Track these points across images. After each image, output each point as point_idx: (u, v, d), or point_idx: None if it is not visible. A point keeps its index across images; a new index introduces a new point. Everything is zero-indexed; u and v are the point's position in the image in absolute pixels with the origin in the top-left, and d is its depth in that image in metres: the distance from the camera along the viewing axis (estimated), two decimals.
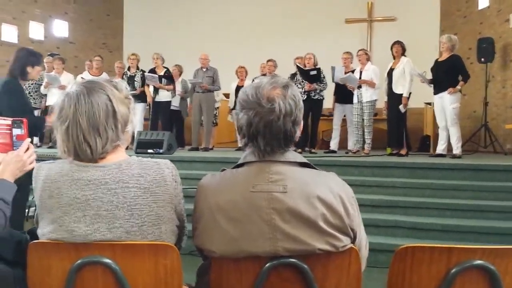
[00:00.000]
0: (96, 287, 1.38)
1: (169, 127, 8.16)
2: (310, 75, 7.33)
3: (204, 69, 8.14)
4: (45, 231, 1.42)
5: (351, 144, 7.72)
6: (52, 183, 1.42)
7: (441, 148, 6.72)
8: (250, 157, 1.47)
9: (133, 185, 1.40)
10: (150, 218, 1.41)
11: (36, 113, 8.44)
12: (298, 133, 1.46)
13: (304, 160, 1.48)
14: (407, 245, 1.37)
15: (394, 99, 6.91)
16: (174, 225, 1.50)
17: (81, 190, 1.39)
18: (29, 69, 3.89)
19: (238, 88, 8.45)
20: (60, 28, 11.67)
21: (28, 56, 3.93)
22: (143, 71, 8.23)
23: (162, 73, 8.15)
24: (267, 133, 1.39)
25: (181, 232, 1.58)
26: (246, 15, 11.84)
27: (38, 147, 8.11)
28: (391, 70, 6.99)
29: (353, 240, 1.44)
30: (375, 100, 7.19)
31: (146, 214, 1.40)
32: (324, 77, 7.60)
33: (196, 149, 8.15)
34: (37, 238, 1.48)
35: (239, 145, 8.64)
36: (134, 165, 1.44)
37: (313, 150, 7.48)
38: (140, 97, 8.05)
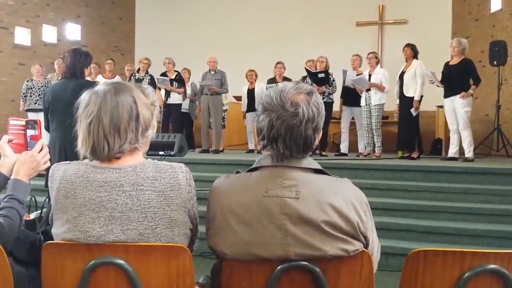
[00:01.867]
0: (109, 287, 1.38)
1: (180, 130, 8.20)
2: (319, 77, 7.32)
3: (213, 72, 8.18)
4: (60, 231, 1.44)
5: (362, 147, 7.70)
6: (68, 184, 1.43)
7: (453, 151, 6.67)
8: (264, 161, 1.47)
9: (148, 188, 1.41)
10: (164, 221, 1.42)
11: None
12: (317, 141, 1.46)
13: (319, 166, 1.47)
14: (420, 249, 1.37)
15: (405, 102, 6.88)
16: (187, 228, 1.51)
17: (96, 191, 1.40)
18: (85, 70, 4.03)
19: (249, 92, 8.47)
20: (73, 32, 11.78)
21: (86, 57, 4.03)
22: (152, 76, 8.28)
23: (173, 77, 8.19)
24: (287, 137, 1.39)
25: (194, 235, 1.59)
26: (256, 19, 11.86)
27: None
28: (403, 73, 6.95)
29: (366, 246, 1.44)
30: (383, 103, 7.14)
31: (159, 217, 1.41)
32: (333, 80, 7.58)
33: (207, 151, 8.18)
34: (51, 239, 1.50)
35: (249, 147, 8.67)
36: (149, 168, 1.45)
37: (323, 153, 7.46)
38: None
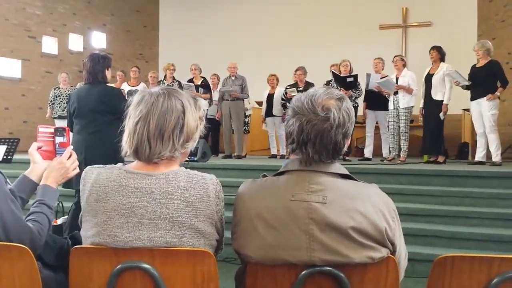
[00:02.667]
0: None
1: (205, 135, 8.23)
2: (347, 82, 7.28)
3: (233, 78, 8.21)
4: (88, 234, 1.46)
5: (386, 152, 7.61)
6: (100, 188, 1.45)
7: (480, 155, 6.55)
8: (292, 165, 1.47)
9: (178, 197, 1.42)
10: (190, 231, 1.42)
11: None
12: (346, 147, 1.46)
13: (346, 172, 1.47)
14: (447, 255, 1.34)
15: (432, 105, 6.78)
16: (213, 240, 1.50)
17: (127, 197, 1.42)
18: (107, 72, 4.09)
19: (269, 96, 8.47)
20: (99, 40, 12.02)
21: (104, 60, 4.10)
22: (179, 82, 8.36)
23: (199, 83, 8.26)
24: (317, 142, 1.39)
25: (218, 247, 1.59)
26: (279, 23, 11.88)
27: None
28: (429, 75, 6.86)
29: (393, 253, 1.42)
30: (412, 106, 7.06)
31: (186, 227, 1.41)
32: (359, 84, 7.55)
33: (230, 156, 8.21)
34: (79, 243, 1.52)
35: (272, 152, 8.66)
36: (181, 177, 1.45)
37: (347, 158, 7.40)
38: None
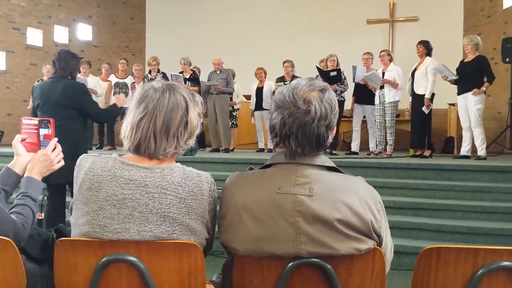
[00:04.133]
0: (121, 284, 1.39)
1: None
2: (330, 76, 7.29)
3: (218, 72, 8.21)
4: (78, 222, 1.44)
5: (373, 146, 7.66)
6: (93, 176, 1.43)
7: (465, 149, 6.62)
8: (278, 158, 1.47)
9: (171, 192, 1.41)
10: (181, 228, 1.41)
11: None
12: (330, 139, 1.45)
13: (333, 164, 1.46)
14: (433, 246, 1.35)
15: (416, 100, 6.84)
16: (203, 238, 1.49)
17: (121, 188, 1.40)
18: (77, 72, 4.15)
19: (258, 90, 8.47)
20: (84, 32, 11.88)
21: (78, 59, 4.15)
22: (164, 73, 8.31)
23: (188, 76, 8.22)
24: (299, 135, 1.38)
25: (208, 247, 1.57)
26: (267, 17, 11.86)
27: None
28: (415, 70, 6.91)
29: (379, 245, 1.43)
30: (398, 101, 7.10)
31: (177, 224, 1.40)
32: (345, 78, 7.57)
33: (217, 150, 8.20)
34: (64, 236, 1.51)
35: (259, 146, 8.66)
36: (176, 173, 1.44)
37: (334, 152, 7.43)
38: None
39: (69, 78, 4.00)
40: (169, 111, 1.43)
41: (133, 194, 1.39)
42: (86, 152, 4.05)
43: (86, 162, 1.48)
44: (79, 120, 3.93)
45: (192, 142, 1.52)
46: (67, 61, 3.96)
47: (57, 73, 3.99)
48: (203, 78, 8.92)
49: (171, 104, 1.43)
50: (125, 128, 1.47)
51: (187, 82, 8.14)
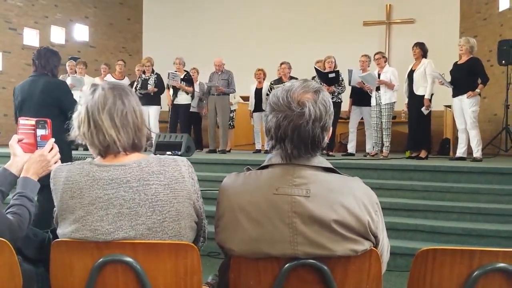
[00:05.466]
0: (117, 285, 1.39)
1: (187, 130, 8.22)
2: (329, 77, 7.31)
3: (219, 73, 8.20)
4: (66, 231, 1.44)
5: (369, 147, 7.67)
6: (73, 184, 1.43)
7: (461, 151, 6.64)
8: (275, 159, 1.47)
9: (154, 182, 1.43)
10: (171, 214, 1.43)
11: None
12: (326, 140, 1.45)
13: (329, 165, 1.46)
14: (429, 248, 1.36)
15: (415, 100, 6.86)
16: (193, 221, 1.51)
17: (103, 189, 1.41)
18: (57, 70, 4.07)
19: (257, 91, 8.47)
20: (81, 32, 11.84)
21: (59, 57, 4.08)
22: (158, 74, 8.30)
23: (182, 76, 8.22)
24: (295, 137, 1.38)
25: (200, 229, 1.59)
26: (264, 19, 11.85)
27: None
28: (412, 71, 6.93)
29: (375, 246, 1.43)
30: (394, 102, 7.12)
31: (167, 210, 1.42)
32: (342, 80, 7.59)
33: (214, 151, 8.20)
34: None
35: (257, 147, 8.67)
36: (153, 162, 1.47)
37: (330, 153, 7.44)
38: (155, 100, 8.11)
39: (50, 75, 3.94)
40: (117, 105, 1.44)
41: (117, 193, 1.41)
42: (69, 153, 4.02)
43: (61, 173, 1.48)
44: (60, 119, 3.90)
45: (145, 131, 1.53)
46: (48, 58, 3.90)
47: (37, 71, 3.92)
48: (203, 79, 8.94)
49: (120, 99, 1.46)
50: (76, 128, 1.48)
51: (182, 82, 8.14)
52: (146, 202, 1.41)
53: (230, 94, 8.38)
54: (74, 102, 4.00)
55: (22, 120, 1.76)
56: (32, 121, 1.75)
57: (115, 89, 1.48)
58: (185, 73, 8.36)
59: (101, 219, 1.40)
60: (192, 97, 8.45)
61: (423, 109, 6.72)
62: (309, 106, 1.37)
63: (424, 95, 6.74)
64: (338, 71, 7.44)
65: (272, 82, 8.13)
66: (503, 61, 8.39)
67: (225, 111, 8.26)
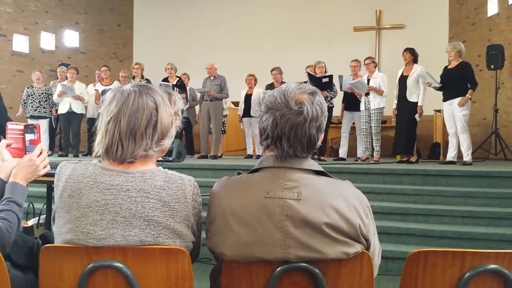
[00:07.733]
0: None
1: (179, 135, 8.19)
2: (322, 82, 7.34)
3: (212, 78, 8.19)
4: (61, 230, 1.42)
5: (360, 152, 7.70)
6: (74, 183, 1.41)
7: (451, 155, 6.69)
8: (266, 162, 1.46)
9: (154, 196, 1.39)
10: (166, 231, 1.39)
11: (47, 121, 8.54)
12: (320, 142, 1.45)
13: (320, 168, 1.46)
14: (420, 250, 1.35)
15: (406, 106, 6.89)
16: (189, 242, 1.47)
17: (102, 193, 1.38)
18: None
19: (247, 96, 8.47)
20: (71, 38, 11.82)
21: None
22: (147, 80, 8.28)
23: (174, 82, 8.20)
24: (292, 136, 1.38)
25: (194, 251, 1.55)
26: (255, 25, 11.90)
27: (49, 155, 8.15)
28: (403, 77, 6.96)
29: (367, 249, 1.43)
30: (383, 107, 7.16)
31: (162, 227, 1.38)
32: (334, 85, 7.63)
33: (205, 157, 8.17)
34: (49, 243, 1.48)
35: (248, 152, 8.66)
36: (158, 176, 1.42)
37: (322, 158, 7.46)
38: None
39: None
40: (133, 113, 1.40)
41: (115, 199, 1.37)
42: None
43: (66, 169, 1.45)
44: None
45: (167, 142, 1.50)
46: None
47: None
48: (195, 84, 8.92)
49: (136, 105, 1.40)
50: (98, 133, 1.45)
51: (175, 88, 8.12)
52: (142, 215, 1.37)
53: (222, 100, 8.37)
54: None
55: (11, 125, 1.74)
56: (20, 126, 1.73)
57: (138, 90, 1.44)
58: (177, 79, 8.34)
59: (94, 223, 1.37)
60: (186, 103, 8.42)
61: (416, 116, 6.77)
62: (307, 105, 1.38)
63: (417, 102, 6.78)
64: (332, 75, 7.48)
65: (264, 92, 8.14)
66: (492, 66, 8.49)
67: (218, 117, 8.24)
